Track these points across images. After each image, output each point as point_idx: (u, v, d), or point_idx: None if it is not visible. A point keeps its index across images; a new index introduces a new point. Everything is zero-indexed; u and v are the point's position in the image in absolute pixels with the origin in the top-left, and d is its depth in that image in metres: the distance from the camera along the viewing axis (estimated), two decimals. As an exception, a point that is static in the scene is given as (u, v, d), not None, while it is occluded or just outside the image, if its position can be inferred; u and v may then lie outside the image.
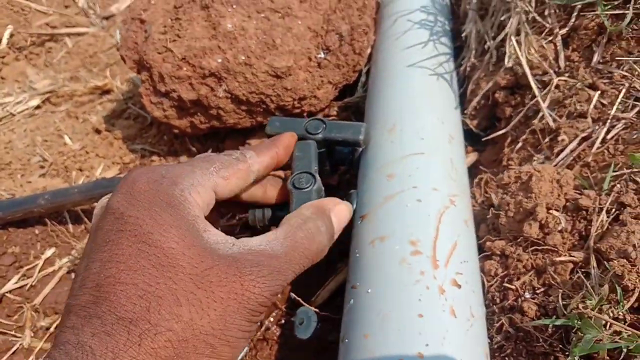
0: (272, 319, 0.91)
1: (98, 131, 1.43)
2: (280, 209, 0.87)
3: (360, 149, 0.93)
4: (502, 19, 1.07)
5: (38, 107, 1.78)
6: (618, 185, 0.76)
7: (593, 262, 0.67)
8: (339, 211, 0.71)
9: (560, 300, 0.66)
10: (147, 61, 1.11)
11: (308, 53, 1.09)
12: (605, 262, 0.66)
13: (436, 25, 1.17)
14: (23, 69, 2.10)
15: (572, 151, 0.89)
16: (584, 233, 0.74)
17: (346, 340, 0.66)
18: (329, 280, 0.92)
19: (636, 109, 0.89)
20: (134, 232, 0.47)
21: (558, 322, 0.64)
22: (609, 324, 0.60)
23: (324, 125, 0.92)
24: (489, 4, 1.20)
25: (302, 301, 0.81)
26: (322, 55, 1.12)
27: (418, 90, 0.97)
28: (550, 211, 0.77)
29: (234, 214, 1.06)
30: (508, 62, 0.99)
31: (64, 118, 1.64)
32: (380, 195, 0.78)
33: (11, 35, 2.19)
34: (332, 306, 0.89)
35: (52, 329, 1.00)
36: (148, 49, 1.11)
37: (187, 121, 1.16)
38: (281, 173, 0.89)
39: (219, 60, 1.05)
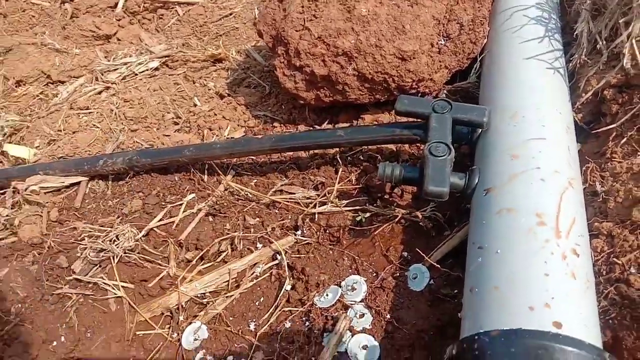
0: (387, 272, 1.05)
1: (222, 96, 1.59)
2: (412, 170, 1.00)
3: (481, 130, 1.04)
4: (619, 22, 1.14)
5: (156, 68, 1.96)
6: None
7: (700, 247, 0.77)
8: None
9: (666, 276, 0.76)
10: (284, 37, 1.25)
11: (431, 39, 1.20)
12: None
13: (550, 22, 1.25)
14: (137, 33, 2.28)
15: (678, 149, 0.97)
16: (690, 222, 0.83)
17: (475, 290, 0.79)
18: (442, 243, 1.05)
19: None
20: None
21: (665, 293, 0.74)
22: None
23: (450, 106, 1.04)
24: (602, 5, 1.26)
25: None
26: (443, 42, 1.23)
27: (538, 82, 1.07)
28: (659, 200, 0.86)
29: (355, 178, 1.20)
30: (626, 63, 1.07)
31: (181, 81, 1.81)
32: (505, 173, 0.90)
33: (125, 1, 2.38)
34: (444, 265, 1.01)
35: (193, 262, 1.17)
36: (286, 26, 1.25)
37: (314, 94, 1.30)
38: None
39: (352, 41, 1.18)
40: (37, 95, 1.90)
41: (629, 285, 0.80)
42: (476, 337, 0.70)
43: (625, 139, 1.09)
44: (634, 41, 1.06)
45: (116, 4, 2.38)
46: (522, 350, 0.65)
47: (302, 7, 1.26)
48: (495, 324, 0.70)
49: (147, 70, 1.95)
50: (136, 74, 1.92)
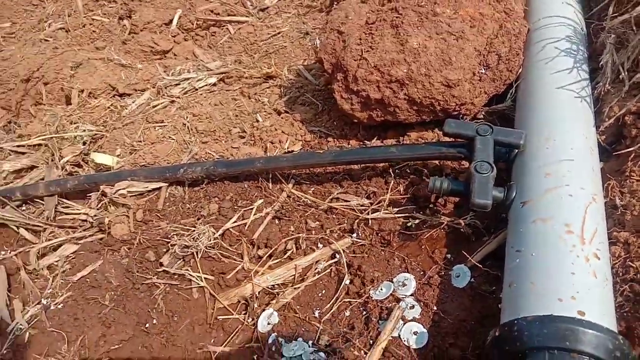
0: (433, 271, 1.23)
1: (279, 112, 1.79)
2: (458, 184, 1.19)
3: (517, 150, 1.22)
4: (640, 57, 1.31)
5: (214, 84, 2.16)
6: None
7: (703, 254, 0.93)
8: None
9: (674, 278, 0.93)
10: (344, 65, 1.44)
11: (473, 69, 1.38)
12: None
13: (578, 54, 1.42)
14: (191, 49, 2.49)
15: (689, 171, 1.13)
16: (696, 234, 0.99)
17: (514, 285, 0.96)
18: (482, 247, 1.22)
19: None
20: None
21: (672, 291, 0.91)
22: None
23: (492, 130, 1.22)
24: (625, 39, 1.42)
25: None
26: (483, 71, 1.40)
27: (567, 109, 1.24)
28: (671, 214, 1.03)
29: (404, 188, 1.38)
30: (644, 94, 1.23)
31: (239, 96, 2.01)
32: (540, 188, 1.07)
33: (179, 18, 2.59)
34: (484, 266, 1.19)
35: (264, 258, 1.37)
36: (346, 55, 1.44)
37: (367, 114, 1.48)
38: None
39: (404, 70, 1.36)
40: (108, 107, 2.12)
41: (642, 285, 0.97)
42: (515, 321, 0.87)
43: (643, 160, 1.25)
44: (652, 75, 1.22)
45: (171, 21, 2.58)
46: (553, 330, 0.82)
47: (360, 39, 1.45)
48: (531, 311, 0.88)
49: (206, 85, 2.15)
50: (197, 89, 2.13)
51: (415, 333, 1.12)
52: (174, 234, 1.43)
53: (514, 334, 0.86)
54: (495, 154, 1.24)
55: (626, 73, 1.35)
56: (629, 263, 1.02)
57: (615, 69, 1.41)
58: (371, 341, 1.14)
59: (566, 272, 0.91)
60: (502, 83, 1.45)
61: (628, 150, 1.27)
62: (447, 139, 1.32)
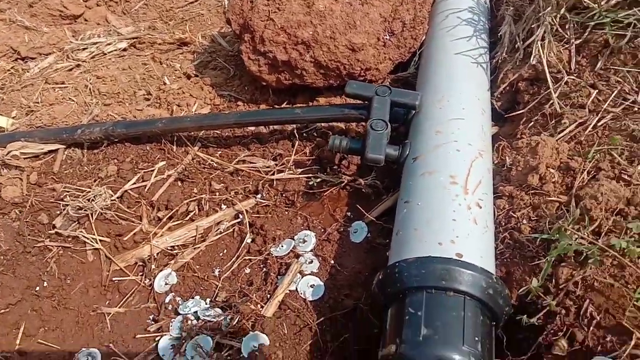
0: (333, 228, 1.24)
1: (189, 76, 1.74)
2: (356, 142, 1.20)
3: (414, 111, 1.25)
4: (532, 26, 1.37)
5: (125, 49, 2.08)
6: (598, 156, 1.08)
7: (573, 202, 1.00)
8: None
9: (547, 224, 0.99)
10: (251, 26, 1.42)
11: (378, 34, 1.40)
12: (580, 203, 0.99)
13: (479, 23, 1.47)
14: (104, 14, 2.38)
15: (570, 132, 1.21)
16: (569, 185, 1.06)
17: (400, 232, 0.99)
18: (379, 204, 1.25)
19: (623, 106, 1.20)
20: None
21: (544, 236, 0.96)
22: (575, 236, 0.92)
23: (390, 91, 1.24)
24: (522, 12, 1.50)
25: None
26: (388, 37, 1.43)
27: (462, 73, 1.28)
28: (549, 169, 1.09)
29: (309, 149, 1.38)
30: (532, 60, 1.30)
31: (149, 62, 1.94)
32: (430, 144, 1.11)
33: (92, -18, 2.46)
34: (380, 220, 1.22)
35: (164, 220, 1.33)
36: (253, 16, 1.42)
37: (275, 77, 1.47)
38: None
39: (310, 32, 1.36)
40: (8, 70, 1.99)
41: (520, 232, 1.03)
42: (397, 264, 0.90)
43: (532, 123, 1.32)
44: (539, 42, 1.29)
45: (84, -15, 2.45)
46: (430, 270, 0.85)
47: (268, 0, 1.43)
48: (412, 254, 0.90)
49: (115, 50, 2.06)
50: (105, 54, 2.04)
51: (312, 286, 1.13)
52: (67, 196, 1.36)
53: (395, 276, 0.88)
54: (394, 115, 1.26)
55: (521, 42, 1.42)
56: (512, 214, 1.08)
57: (512, 39, 1.48)
58: (269, 295, 1.14)
59: (448, 219, 0.95)
60: (406, 50, 1.48)
61: (519, 112, 1.34)
62: (351, 101, 1.34)
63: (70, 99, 1.67)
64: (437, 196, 0.99)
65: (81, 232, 1.31)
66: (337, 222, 1.26)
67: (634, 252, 0.88)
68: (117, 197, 1.36)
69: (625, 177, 1.03)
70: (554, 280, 0.95)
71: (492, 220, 1.02)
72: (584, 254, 0.92)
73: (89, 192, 1.35)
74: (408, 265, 0.88)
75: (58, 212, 1.36)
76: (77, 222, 1.33)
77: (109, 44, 2.08)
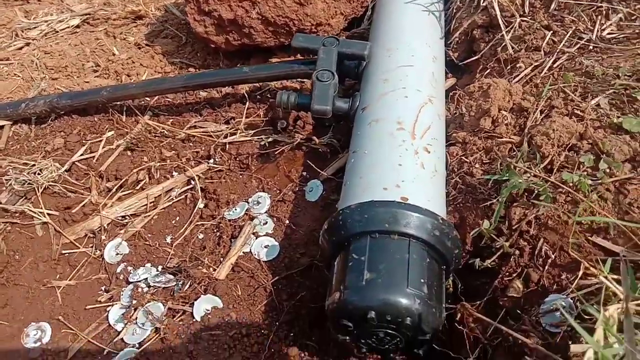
0: (289, 188, 1.20)
1: (140, 46, 1.68)
2: (304, 97, 1.16)
3: (365, 63, 1.21)
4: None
5: (77, 26, 2.00)
6: (551, 94, 1.05)
7: (525, 141, 0.97)
8: None
9: (499, 166, 0.96)
10: (194, -16, 1.36)
11: (326, -13, 1.35)
12: (532, 141, 0.96)
13: (432, -28, 1.43)
14: (57, -8, 2.28)
15: (526, 75, 1.18)
16: (523, 126, 1.03)
17: (347, 183, 0.96)
18: (334, 161, 1.21)
19: (578, 45, 1.17)
20: None
21: (495, 177, 0.93)
22: (527, 174, 0.89)
23: (337, 42, 1.20)
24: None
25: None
26: (338, -10, 1.38)
27: (412, 21, 1.24)
28: (501, 111, 1.06)
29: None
30: (483, 2, 1.26)
31: (103, 37, 1.88)
32: (377, 93, 1.07)
33: (44, -40, 2.36)
34: (336, 177, 1.18)
35: (113, 190, 1.28)
36: (195, -26, 1.36)
37: (223, 37, 1.42)
38: None
39: (255, -13, 1.31)
40: (-47, 51, 1.91)
41: (472, 176, 1.00)
42: (340, 211, 0.86)
43: (488, 70, 1.29)
44: (490, -15, 1.25)
45: (34, -36, 2.35)
46: (373, 214, 0.82)
47: (209, -44, 1.37)
48: (356, 201, 0.87)
49: (68, 27, 1.98)
50: (57, 31, 1.96)
51: (266, 247, 1.10)
52: (10, 170, 1.30)
53: (339, 224, 0.85)
54: (345, 69, 1.22)
55: (474, -12, 1.37)
56: (464, 159, 1.04)
57: (465, -13, 1.44)
58: (222, 259, 1.10)
59: (393, 164, 0.91)
60: (359, 4, 1.44)
61: (474, 59, 1.30)
62: (301, 58, 1.29)
63: (15, 74, 1.60)
64: (383, 143, 0.96)
65: (28, 206, 1.26)
66: (293, 183, 1.22)
67: (585, 185, 0.86)
68: (65, 170, 1.31)
69: (578, 112, 1.00)
70: (507, 222, 0.92)
71: (442, 165, 0.99)
72: (536, 192, 0.89)
73: (35, 165, 1.30)
74: (351, 211, 0.85)
75: (4, 189, 1.30)
76: (24, 197, 1.28)
77: (61, 21, 2.00)
